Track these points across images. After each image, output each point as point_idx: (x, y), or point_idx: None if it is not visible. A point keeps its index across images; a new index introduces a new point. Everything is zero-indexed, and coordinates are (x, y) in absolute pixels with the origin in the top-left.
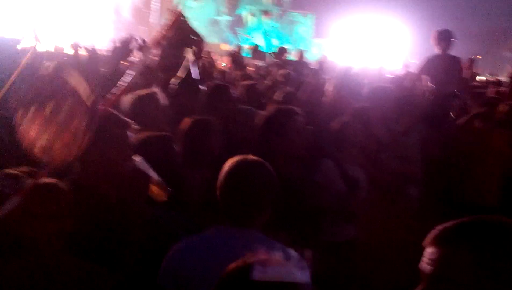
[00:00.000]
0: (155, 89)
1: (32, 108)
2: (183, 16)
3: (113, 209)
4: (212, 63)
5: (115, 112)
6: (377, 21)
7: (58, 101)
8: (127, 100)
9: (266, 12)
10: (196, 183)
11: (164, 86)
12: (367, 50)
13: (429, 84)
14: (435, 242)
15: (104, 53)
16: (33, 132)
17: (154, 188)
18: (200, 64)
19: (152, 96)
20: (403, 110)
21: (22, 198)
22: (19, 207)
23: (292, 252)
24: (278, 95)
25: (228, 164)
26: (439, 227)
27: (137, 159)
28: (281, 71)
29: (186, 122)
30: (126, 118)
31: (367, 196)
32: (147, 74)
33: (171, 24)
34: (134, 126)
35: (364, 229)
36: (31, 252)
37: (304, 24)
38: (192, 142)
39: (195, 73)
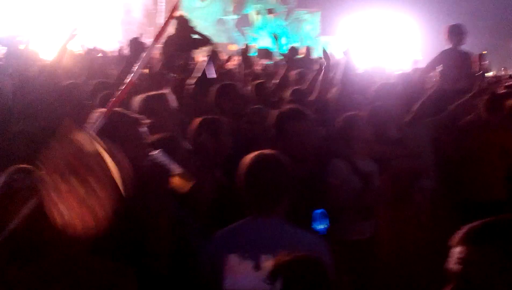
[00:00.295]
0: (165, 90)
1: (54, 177)
2: (184, 18)
3: (135, 206)
4: (221, 64)
5: (124, 110)
6: (385, 17)
7: (82, 173)
8: (137, 100)
9: (271, 11)
10: (207, 183)
11: (178, 86)
12: (375, 47)
13: (437, 79)
14: (463, 242)
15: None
16: (55, 205)
17: (176, 180)
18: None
19: (161, 97)
20: (411, 106)
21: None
22: (40, 209)
23: (313, 237)
24: (286, 93)
25: (249, 158)
26: (467, 227)
27: (156, 152)
28: (295, 70)
29: (195, 122)
30: (135, 115)
31: (380, 189)
32: (152, 75)
33: (164, 25)
34: (145, 121)
35: (381, 226)
36: (54, 254)
37: (310, 22)
38: (201, 141)
39: (210, 73)
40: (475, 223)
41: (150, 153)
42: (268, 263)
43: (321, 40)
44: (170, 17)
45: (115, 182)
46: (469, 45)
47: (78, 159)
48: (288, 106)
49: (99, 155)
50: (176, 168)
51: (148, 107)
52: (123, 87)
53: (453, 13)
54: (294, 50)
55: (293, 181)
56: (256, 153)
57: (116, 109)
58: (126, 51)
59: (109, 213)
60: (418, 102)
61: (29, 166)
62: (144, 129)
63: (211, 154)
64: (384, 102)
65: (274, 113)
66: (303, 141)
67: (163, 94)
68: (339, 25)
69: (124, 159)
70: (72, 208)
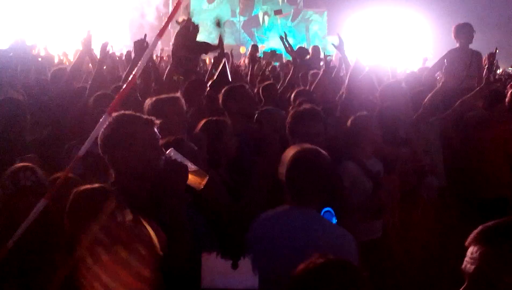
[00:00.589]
0: (177, 94)
1: (97, 250)
2: (191, 24)
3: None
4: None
5: (134, 112)
6: (393, 15)
7: (124, 239)
8: (148, 103)
9: (278, 11)
10: (214, 183)
11: (190, 89)
12: (384, 46)
13: (441, 77)
14: (478, 241)
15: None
16: (98, 278)
17: (191, 177)
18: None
19: (172, 100)
20: (419, 105)
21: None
22: (58, 209)
23: (343, 231)
24: (292, 94)
25: (293, 151)
26: (481, 226)
27: (170, 151)
28: (311, 72)
29: (200, 123)
30: (146, 116)
31: (389, 189)
32: (159, 78)
33: (163, 28)
34: (157, 121)
35: (390, 226)
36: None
37: (317, 22)
38: (206, 142)
39: (226, 76)
40: (489, 223)
41: (165, 152)
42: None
43: (328, 40)
44: (172, 14)
45: (152, 240)
46: (479, 42)
47: (118, 227)
48: (304, 106)
49: (133, 220)
50: (191, 166)
51: (159, 110)
52: (125, 86)
53: (463, 10)
54: (302, 51)
55: (331, 176)
56: (299, 146)
57: (128, 112)
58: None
59: (152, 270)
60: (426, 100)
61: (29, 163)
62: (156, 129)
63: (215, 155)
64: (392, 103)
65: (289, 112)
66: (317, 142)
67: (174, 98)
68: (346, 25)
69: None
70: (117, 276)
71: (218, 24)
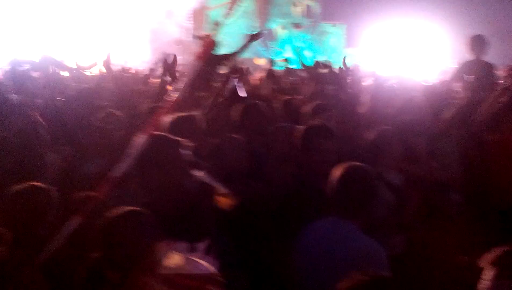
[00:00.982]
0: (195, 112)
1: None
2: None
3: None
4: (246, 79)
5: (164, 133)
6: (412, 26)
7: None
8: (167, 121)
9: (297, 25)
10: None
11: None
12: (402, 57)
13: (461, 90)
14: (494, 265)
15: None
16: None
17: (220, 199)
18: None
19: (191, 119)
20: (438, 118)
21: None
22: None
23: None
24: (308, 108)
25: (342, 167)
26: (497, 250)
27: (201, 173)
28: (330, 87)
29: (213, 141)
30: (176, 137)
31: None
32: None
33: (204, 51)
34: (186, 144)
35: (413, 240)
36: None
37: (335, 34)
38: (218, 158)
39: (241, 90)
40: (506, 248)
41: (195, 174)
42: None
43: (346, 52)
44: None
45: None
46: (497, 52)
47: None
48: (314, 122)
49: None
50: (221, 188)
51: (177, 129)
52: (164, 108)
53: (483, 21)
54: (318, 64)
55: (377, 193)
56: (349, 163)
57: (158, 132)
58: (157, 71)
59: None
60: (446, 114)
61: (38, 183)
62: (187, 150)
63: (227, 170)
64: (411, 116)
65: (300, 128)
66: (328, 159)
67: (192, 116)
68: (363, 37)
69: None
70: None
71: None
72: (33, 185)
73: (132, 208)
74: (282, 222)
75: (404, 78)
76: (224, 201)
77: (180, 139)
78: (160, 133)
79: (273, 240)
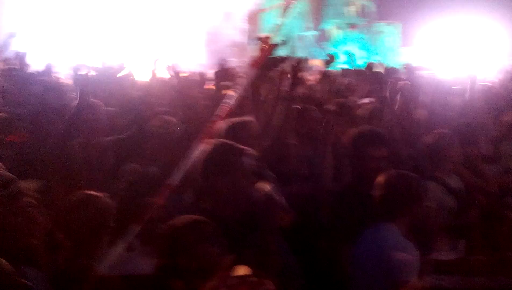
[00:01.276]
0: (249, 117)
1: None
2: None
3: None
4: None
5: (229, 141)
6: (468, 23)
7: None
8: (221, 126)
9: (352, 25)
10: None
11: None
12: (459, 56)
13: None
14: None
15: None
16: None
17: (282, 215)
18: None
19: (245, 124)
20: (497, 120)
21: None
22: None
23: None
24: (363, 112)
25: (388, 174)
26: None
27: (267, 186)
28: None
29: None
30: (241, 146)
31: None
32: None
33: (264, 53)
34: (251, 152)
35: (474, 245)
36: None
37: (390, 33)
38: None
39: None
40: None
41: (260, 186)
42: None
43: (401, 52)
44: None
45: None
46: None
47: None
48: (366, 127)
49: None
50: (283, 203)
51: (232, 134)
52: (221, 113)
53: None
54: (371, 65)
55: (419, 198)
56: (394, 171)
57: (223, 140)
58: (209, 74)
59: None
60: (506, 116)
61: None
62: (251, 159)
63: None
64: (471, 118)
65: (351, 133)
66: (380, 165)
67: (246, 121)
68: (419, 35)
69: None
70: None
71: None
72: (89, 193)
73: (197, 217)
74: (335, 226)
75: (461, 79)
76: (281, 216)
77: (244, 148)
78: (224, 141)
79: (328, 243)
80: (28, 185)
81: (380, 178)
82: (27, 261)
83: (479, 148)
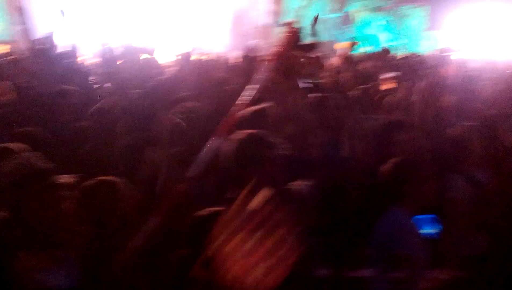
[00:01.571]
0: (268, 103)
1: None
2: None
3: None
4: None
5: (261, 134)
6: (499, 7)
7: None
8: (240, 114)
9: (378, 8)
10: None
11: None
12: (488, 41)
13: None
14: None
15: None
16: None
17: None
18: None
19: (262, 112)
20: None
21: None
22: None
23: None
24: (389, 102)
25: (393, 161)
26: None
27: (298, 182)
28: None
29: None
30: (271, 139)
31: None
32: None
33: (288, 38)
34: (281, 146)
35: (496, 241)
36: None
37: (416, 16)
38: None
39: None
40: None
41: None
42: None
43: (428, 35)
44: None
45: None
46: None
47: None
48: (391, 118)
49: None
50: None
51: (249, 122)
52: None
53: None
54: (386, 50)
55: (427, 186)
56: (398, 158)
57: (255, 131)
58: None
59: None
60: None
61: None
62: (283, 152)
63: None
64: (498, 110)
65: (376, 124)
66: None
67: (263, 109)
68: (447, 19)
69: None
70: (257, 266)
71: (315, 21)
72: (101, 179)
73: (220, 208)
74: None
75: (491, 65)
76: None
77: (275, 140)
78: (255, 132)
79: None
80: (67, 179)
81: (390, 164)
82: (58, 246)
83: (505, 141)
